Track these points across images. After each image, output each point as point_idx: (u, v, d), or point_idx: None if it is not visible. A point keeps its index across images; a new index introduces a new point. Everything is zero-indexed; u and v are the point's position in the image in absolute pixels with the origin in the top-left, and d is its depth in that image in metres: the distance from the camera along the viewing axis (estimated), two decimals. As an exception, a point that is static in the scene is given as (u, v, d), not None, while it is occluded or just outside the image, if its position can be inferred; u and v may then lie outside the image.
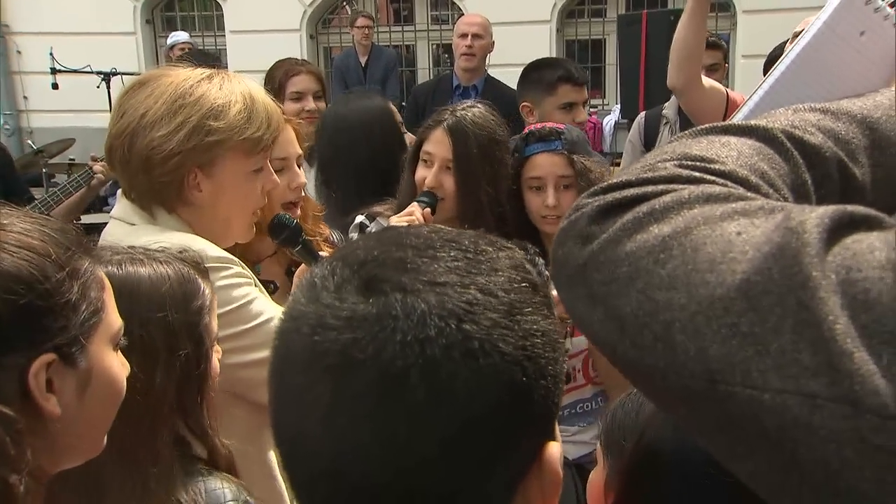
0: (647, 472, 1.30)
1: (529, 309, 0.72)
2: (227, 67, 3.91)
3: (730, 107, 3.14)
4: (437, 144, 2.61)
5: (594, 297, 0.73)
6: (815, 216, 0.63)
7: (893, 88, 0.88)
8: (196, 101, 1.87)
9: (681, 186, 0.73)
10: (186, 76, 1.92)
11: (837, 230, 0.62)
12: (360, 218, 2.73)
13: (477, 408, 0.69)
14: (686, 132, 0.84)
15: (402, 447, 0.68)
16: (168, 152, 1.84)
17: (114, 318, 1.21)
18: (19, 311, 1.05)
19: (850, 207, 0.65)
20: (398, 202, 2.68)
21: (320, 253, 2.22)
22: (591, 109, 10.55)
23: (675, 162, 0.77)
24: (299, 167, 2.48)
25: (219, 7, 11.59)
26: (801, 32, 3.39)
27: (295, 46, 11.24)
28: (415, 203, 2.50)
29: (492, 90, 5.06)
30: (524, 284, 0.74)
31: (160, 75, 1.94)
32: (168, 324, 1.47)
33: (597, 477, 1.40)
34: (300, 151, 2.48)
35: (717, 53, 4.92)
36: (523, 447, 0.73)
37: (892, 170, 0.82)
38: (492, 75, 5.34)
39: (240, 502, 1.47)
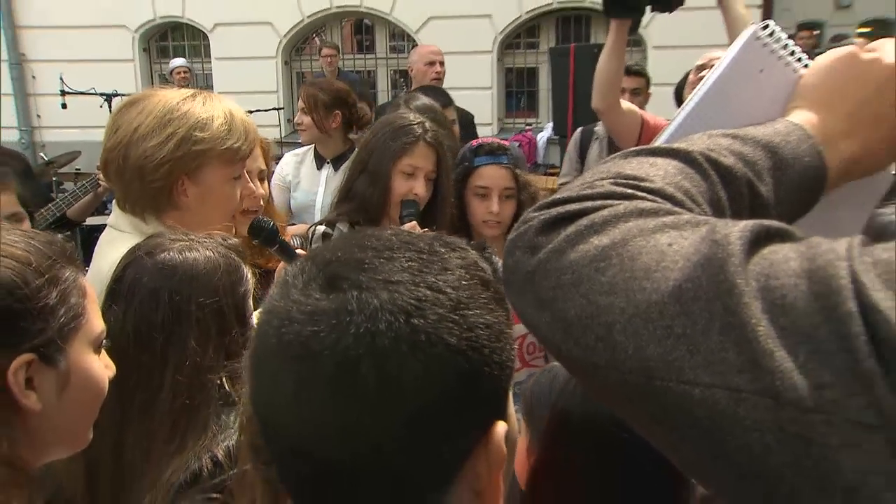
0: (561, 434, 1.31)
1: (476, 304, 0.70)
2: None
3: (644, 127, 3.14)
4: (423, 158, 2.48)
5: (542, 301, 0.71)
6: (737, 230, 0.62)
7: (788, 117, 0.88)
8: (183, 116, 1.82)
9: (616, 202, 0.72)
10: (173, 95, 1.87)
11: (756, 242, 0.62)
12: (320, 228, 2.58)
13: (424, 393, 0.67)
14: (618, 154, 0.82)
15: (356, 429, 0.66)
16: (160, 160, 1.79)
17: (96, 323, 1.17)
18: None
19: (766, 222, 0.64)
20: (354, 207, 2.53)
21: (296, 251, 2.16)
22: (527, 127, 10.65)
23: (611, 180, 0.76)
24: (262, 181, 2.40)
25: (206, 37, 11.49)
26: (702, 65, 3.42)
27: (271, 71, 11.24)
28: (413, 222, 2.37)
29: (446, 110, 5.07)
30: (474, 282, 0.72)
31: (149, 95, 1.89)
32: (220, 308, 1.45)
33: (520, 443, 1.40)
34: (264, 167, 2.41)
35: (641, 80, 4.95)
36: (470, 428, 0.71)
37: (790, 187, 0.82)
38: (443, 98, 5.31)
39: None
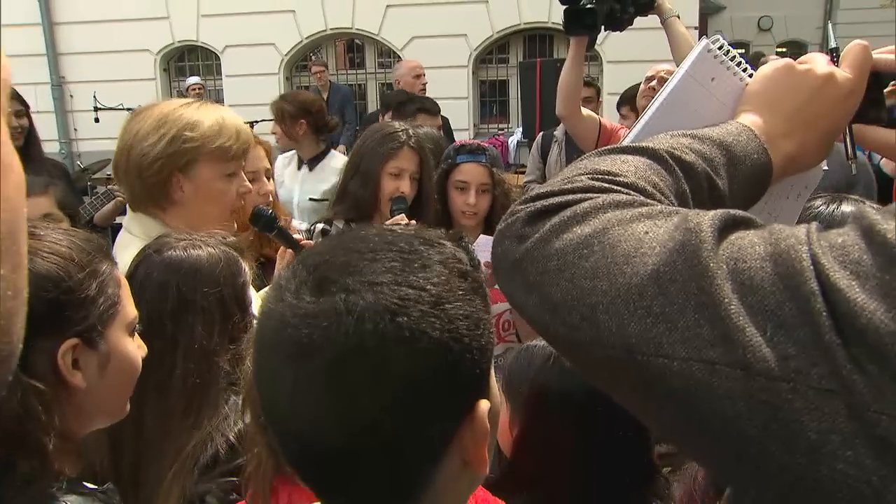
0: (540, 407, 1.31)
1: (455, 297, 0.67)
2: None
3: (601, 130, 3.14)
4: (408, 161, 2.48)
5: (530, 285, 0.69)
6: (707, 218, 0.61)
7: (738, 120, 0.87)
8: (176, 119, 1.80)
9: (595, 195, 0.70)
10: (171, 104, 1.86)
11: (725, 229, 0.61)
12: (319, 226, 2.55)
13: (410, 383, 0.64)
14: (592, 152, 0.81)
15: (348, 418, 0.64)
16: (153, 157, 1.77)
17: (129, 310, 1.16)
18: (48, 304, 1.02)
19: (731, 211, 0.63)
20: (348, 206, 2.52)
21: (294, 236, 2.13)
22: (499, 132, 10.65)
23: (588, 175, 0.74)
24: (268, 178, 2.45)
25: (217, 58, 11.43)
26: (650, 76, 3.45)
27: (274, 86, 11.17)
28: (402, 215, 2.37)
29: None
30: (453, 275, 0.69)
31: (152, 106, 1.88)
32: (222, 297, 1.44)
33: (502, 415, 1.39)
34: (268, 166, 2.45)
35: (591, 90, 5.01)
36: (455, 408, 0.68)
37: (742, 181, 0.81)
38: (424, 106, 5.32)
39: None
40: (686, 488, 1.22)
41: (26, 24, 10.90)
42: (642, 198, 0.70)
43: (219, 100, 10.49)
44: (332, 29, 11.15)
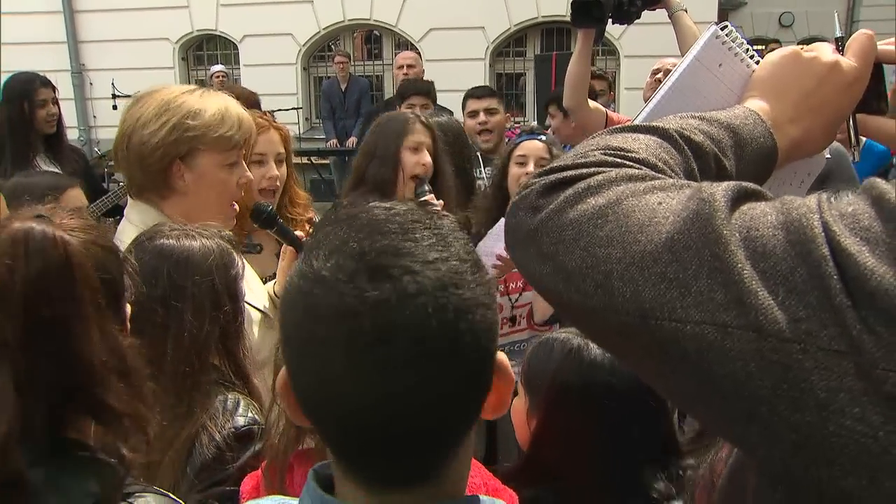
0: (560, 401, 1.32)
1: (478, 259, 0.70)
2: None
3: (608, 123, 3.14)
4: (423, 135, 2.65)
5: (544, 255, 0.70)
6: (721, 189, 0.63)
7: (745, 104, 0.89)
8: (178, 107, 1.77)
9: (608, 169, 0.72)
10: (174, 90, 1.83)
11: (738, 200, 0.62)
12: None
13: (476, 347, 0.67)
14: (604, 130, 0.82)
15: (434, 393, 0.65)
16: (154, 145, 1.75)
17: None
18: None
19: (743, 183, 0.65)
20: (368, 190, 2.57)
21: (296, 233, 2.11)
22: (515, 125, 10.63)
23: (601, 151, 0.76)
24: (280, 164, 2.38)
25: (236, 47, 11.48)
26: (657, 69, 3.48)
27: (292, 76, 11.25)
28: (431, 195, 2.54)
29: (429, 106, 5.21)
30: (467, 242, 0.71)
31: (154, 91, 1.84)
32: (214, 286, 1.46)
33: (519, 404, 1.40)
34: (280, 150, 2.38)
35: (604, 83, 5.01)
36: (493, 360, 0.71)
37: (748, 163, 0.83)
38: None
39: (248, 414, 1.45)
40: (705, 477, 1.24)
41: (48, 11, 11.01)
42: (653, 173, 0.72)
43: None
44: (350, 20, 11.17)
